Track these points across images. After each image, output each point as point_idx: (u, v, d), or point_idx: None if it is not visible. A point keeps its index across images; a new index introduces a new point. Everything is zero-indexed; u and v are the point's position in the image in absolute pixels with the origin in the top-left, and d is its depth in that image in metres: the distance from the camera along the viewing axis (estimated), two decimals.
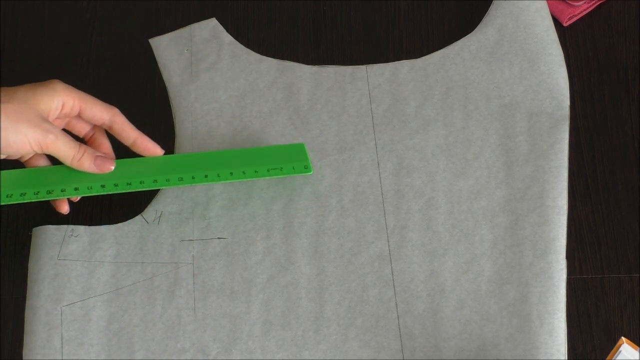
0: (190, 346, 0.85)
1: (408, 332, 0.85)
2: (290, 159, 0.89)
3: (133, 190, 0.88)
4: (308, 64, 0.96)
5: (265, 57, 0.97)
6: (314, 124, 0.94)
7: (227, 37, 0.98)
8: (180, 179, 0.88)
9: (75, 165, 0.86)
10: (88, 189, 0.87)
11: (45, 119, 0.84)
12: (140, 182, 0.88)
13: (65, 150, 0.85)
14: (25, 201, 0.86)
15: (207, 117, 0.94)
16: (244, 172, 0.89)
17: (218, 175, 0.88)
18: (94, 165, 0.86)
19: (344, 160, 0.92)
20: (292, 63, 0.96)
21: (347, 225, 0.89)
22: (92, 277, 0.87)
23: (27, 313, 0.86)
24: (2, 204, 0.86)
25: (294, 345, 0.85)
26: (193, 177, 0.88)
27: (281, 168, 0.89)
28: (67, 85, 0.86)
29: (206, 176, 0.88)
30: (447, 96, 0.94)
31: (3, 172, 0.87)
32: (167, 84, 0.96)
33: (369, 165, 0.92)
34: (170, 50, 0.97)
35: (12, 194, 0.86)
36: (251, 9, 1.00)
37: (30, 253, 0.89)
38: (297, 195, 0.91)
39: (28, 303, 0.87)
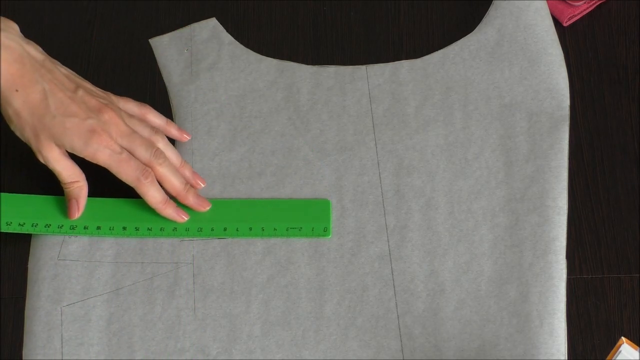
0: (190, 346, 0.85)
1: (408, 332, 0.85)
2: (311, 218, 0.89)
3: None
4: (308, 64, 0.96)
5: (265, 57, 0.97)
6: (314, 124, 0.93)
7: (227, 37, 0.98)
8: (200, 230, 0.88)
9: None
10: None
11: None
12: (161, 229, 0.89)
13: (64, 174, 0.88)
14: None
15: (207, 117, 0.94)
16: (262, 229, 0.88)
17: (237, 230, 0.88)
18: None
19: (344, 160, 0.92)
20: (292, 63, 0.96)
21: (347, 225, 0.89)
22: (92, 277, 0.87)
23: (27, 313, 0.86)
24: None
25: (294, 345, 0.85)
26: (212, 229, 0.88)
27: (300, 228, 0.88)
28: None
29: (225, 229, 0.88)
30: (447, 96, 0.94)
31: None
32: (167, 84, 0.96)
33: (369, 165, 0.92)
34: (170, 50, 0.97)
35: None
36: (251, 9, 1.00)
37: (30, 253, 0.89)
38: (297, 195, 0.91)
39: (28, 303, 0.87)
